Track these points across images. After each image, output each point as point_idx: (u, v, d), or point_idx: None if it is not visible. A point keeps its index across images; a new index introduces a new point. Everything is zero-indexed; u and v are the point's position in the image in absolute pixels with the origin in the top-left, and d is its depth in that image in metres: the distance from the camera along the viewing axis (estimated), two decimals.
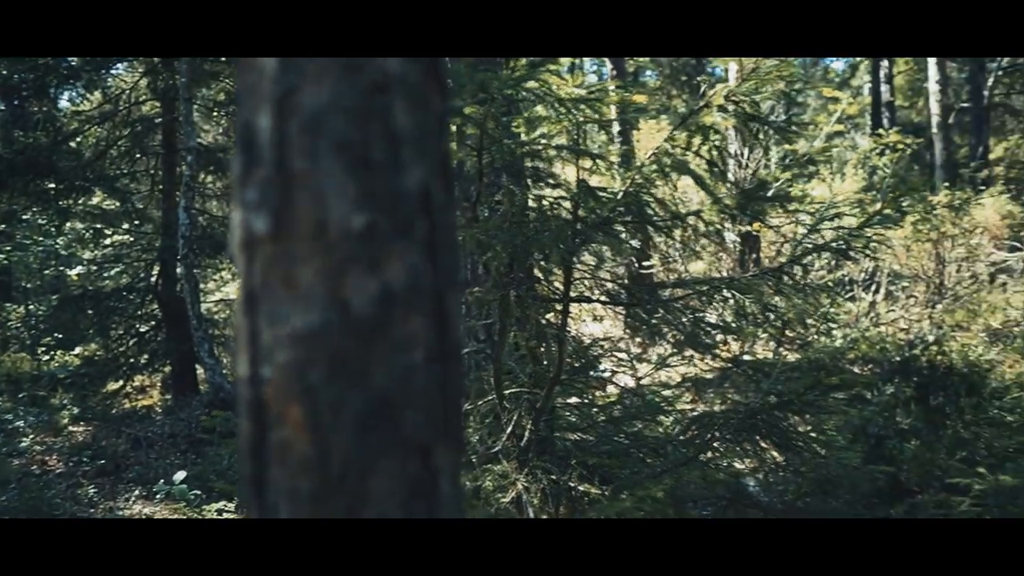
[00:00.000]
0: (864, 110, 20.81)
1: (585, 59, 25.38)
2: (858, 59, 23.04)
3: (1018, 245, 8.94)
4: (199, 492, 4.86)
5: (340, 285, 0.65)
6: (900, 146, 8.40)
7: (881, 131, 8.71)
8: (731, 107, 1.83)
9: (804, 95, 25.01)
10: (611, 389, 4.43)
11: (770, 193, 1.85)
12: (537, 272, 1.93)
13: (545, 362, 2.16)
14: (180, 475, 5.00)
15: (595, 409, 2.77)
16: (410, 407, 0.67)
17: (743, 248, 7.37)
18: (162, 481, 5.01)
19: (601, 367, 4.15)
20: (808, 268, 7.72)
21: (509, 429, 2.02)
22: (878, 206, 2.11)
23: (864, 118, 20.71)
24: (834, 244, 2.09)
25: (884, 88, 20.42)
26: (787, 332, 6.70)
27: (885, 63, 20.38)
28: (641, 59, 23.57)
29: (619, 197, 1.84)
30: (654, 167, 1.79)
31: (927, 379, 5.56)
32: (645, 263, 7.95)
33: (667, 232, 1.85)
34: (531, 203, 1.86)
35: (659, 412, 2.64)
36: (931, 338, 6.06)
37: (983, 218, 8.16)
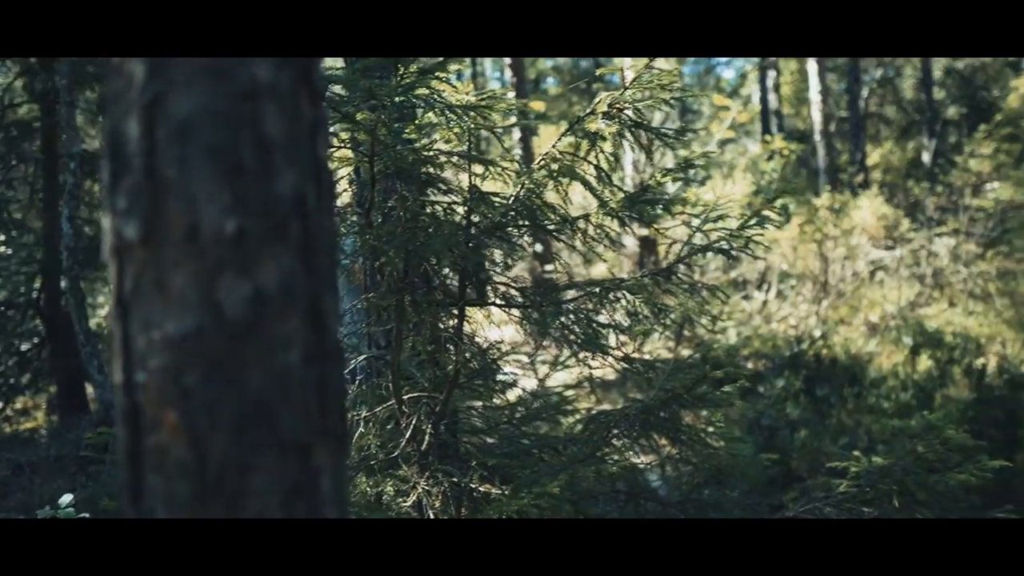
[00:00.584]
0: (756, 117, 21.77)
1: (487, 66, 25.54)
2: (747, 69, 24.13)
3: (893, 244, 9.54)
4: (89, 515, 4.63)
5: (213, 289, 0.65)
6: (785, 152, 8.85)
7: (768, 137, 9.14)
8: (616, 114, 1.91)
9: (698, 103, 25.98)
10: (517, 391, 4.49)
11: (653, 197, 1.93)
12: (433, 276, 1.95)
13: (448, 367, 2.18)
14: (67, 498, 4.74)
15: (496, 411, 2.82)
16: (287, 407, 0.69)
17: (642, 251, 7.61)
18: (48, 507, 4.75)
19: (506, 370, 4.20)
20: (703, 269, 8.00)
21: (408, 434, 2.03)
22: (761, 208, 2.23)
23: (755, 125, 21.68)
24: (716, 245, 2.19)
25: (772, 97, 21.46)
26: (683, 331, 6.95)
27: (772, 73, 21.41)
28: (543, 66, 23.92)
29: (510, 202, 1.89)
30: (543, 173, 1.85)
31: (814, 372, 5.89)
32: (547, 267, 8.08)
33: (556, 236, 1.90)
34: (425, 208, 1.88)
35: (560, 412, 2.71)
36: (817, 333, 6.40)
37: (861, 219, 8.70)
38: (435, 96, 1.84)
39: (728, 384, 2.25)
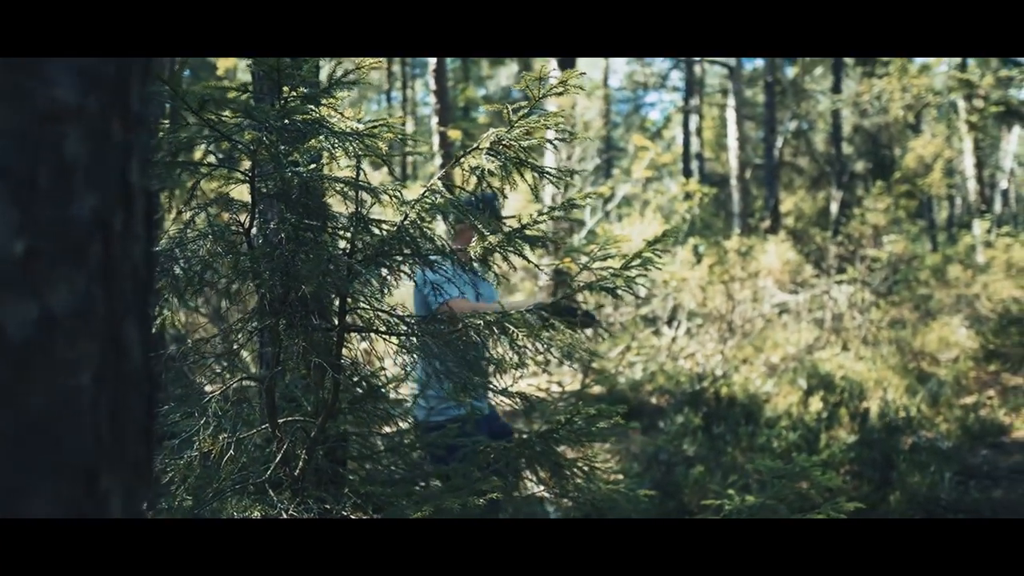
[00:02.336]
0: (679, 159, 22.48)
1: (419, 91, 25.56)
2: (672, 111, 24.95)
3: (797, 288, 9.96)
4: None
5: None
6: (698, 194, 9.17)
7: (684, 180, 9.46)
8: (502, 151, 1.95)
9: (625, 142, 26.68)
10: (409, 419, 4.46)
11: (531, 234, 1.98)
12: (311, 301, 1.94)
13: (336, 391, 2.16)
14: None
15: (387, 438, 2.81)
16: (72, 430, 0.68)
17: (556, 284, 7.70)
18: None
19: (401, 396, 4.16)
20: (616, 304, 8.08)
21: (278, 458, 2.00)
22: (643, 249, 2.30)
23: (679, 166, 22.40)
24: (601, 283, 2.25)
25: (695, 140, 22.23)
26: (591, 364, 7.05)
27: (696, 117, 22.17)
28: (472, 95, 24.12)
29: (395, 230, 1.90)
30: (426, 204, 1.87)
31: (713, 410, 6.06)
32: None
33: (432, 267, 1.92)
34: (306, 233, 1.88)
35: (445, 441, 2.71)
36: (719, 372, 6.59)
37: (767, 263, 9.06)
38: (323, 121, 1.84)
39: (603, 420, 2.30)
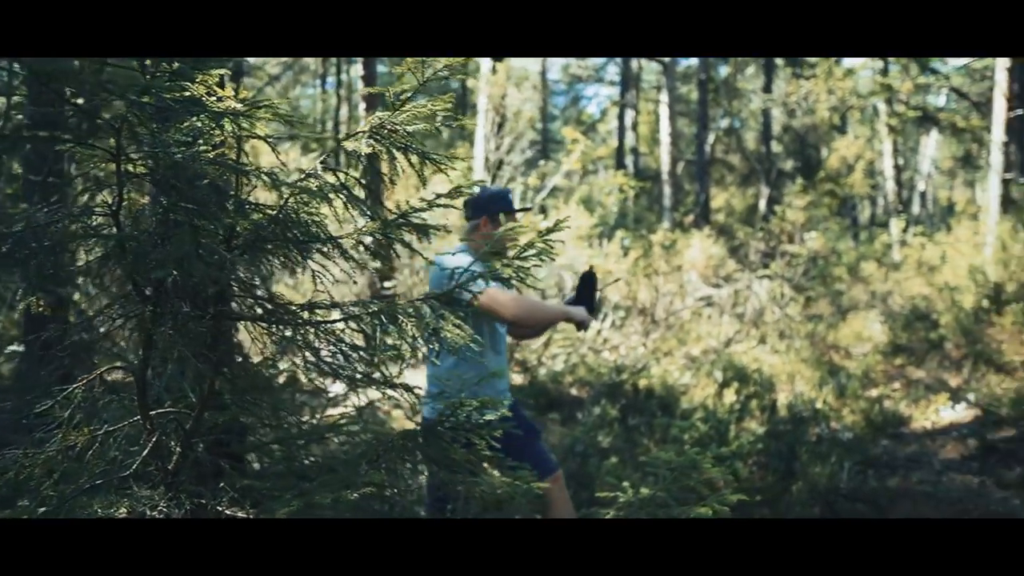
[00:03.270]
0: (614, 153, 22.68)
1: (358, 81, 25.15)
2: (608, 105, 25.16)
3: (720, 283, 10.16)
4: None
5: None
6: (626, 187, 9.26)
7: (614, 173, 9.53)
8: (387, 135, 1.90)
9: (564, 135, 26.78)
10: (317, 409, 4.37)
11: (410, 222, 1.93)
12: (185, 287, 1.86)
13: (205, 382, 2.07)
14: None
15: (282, 431, 2.73)
16: None
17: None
18: None
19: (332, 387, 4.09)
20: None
21: (146, 452, 1.91)
22: (535, 240, 2.28)
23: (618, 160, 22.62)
24: (495, 272, 2.22)
25: (631, 135, 22.45)
26: (514, 355, 7.05)
27: (632, 112, 22.39)
28: (410, 83, 23.83)
29: (272, 215, 1.83)
30: (304, 188, 1.80)
31: (631, 401, 6.12)
32: (387, 283, 8.00)
33: (305, 254, 1.86)
34: (178, 216, 1.79)
35: (331, 435, 2.65)
36: (639, 364, 6.67)
37: (692, 257, 9.22)
38: (200, 99, 1.76)
39: (491, 413, 2.27)
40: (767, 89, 19.05)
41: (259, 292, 1.93)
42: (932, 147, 26.52)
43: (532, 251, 2.29)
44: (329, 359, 1.91)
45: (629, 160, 21.54)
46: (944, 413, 5.95)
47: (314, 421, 3.33)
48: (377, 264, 7.38)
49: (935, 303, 9.11)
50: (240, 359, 2.42)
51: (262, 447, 2.45)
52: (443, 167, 1.95)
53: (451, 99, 1.95)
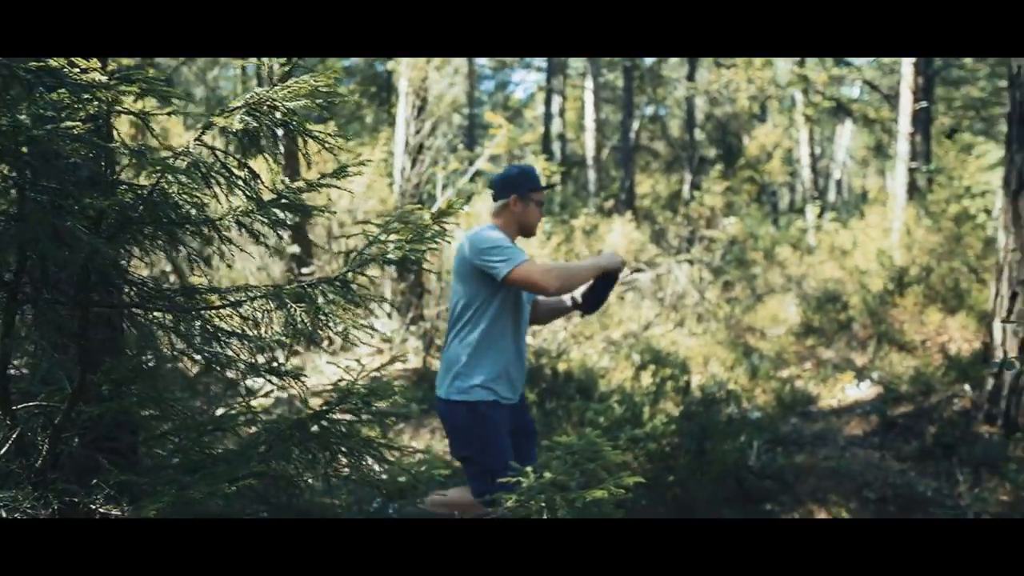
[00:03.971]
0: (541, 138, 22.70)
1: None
2: (536, 90, 25.18)
3: (643, 267, 10.29)
4: None
5: None
6: (547, 173, 9.27)
7: (536, 158, 9.52)
8: (266, 112, 1.82)
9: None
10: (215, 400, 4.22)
11: (291, 203, 1.85)
12: (49, 273, 1.74)
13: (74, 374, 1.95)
14: None
15: (177, 422, 2.61)
16: None
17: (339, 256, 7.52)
18: None
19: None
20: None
21: (5, 448, 1.79)
22: (431, 223, 2.23)
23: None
24: (388, 256, 2.17)
25: (558, 121, 22.49)
26: (433, 340, 6.99)
27: (558, 98, 22.43)
28: (337, 69, 23.34)
29: (143, 195, 1.73)
30: (167, 168, 1.71)
31: (550, 385, 6.13)
32: (304, 269, 7.80)
33: (176, 237, 1.76)
34: (38, 196, 1.67)
35: (235, 424, 2.55)
36: (556, 348, 6.69)
37: (613, 242, 9.31)
38: (57, 72, 1.64)
39: (381, 400, 2.22)
40: (691, 77, 19.35)
41: (138, 278, 1.82)
42: (847, 137, 27.43)
43: (427, 234, 2.25)
44: (202, 347, 1.82)
45: (556, 146, 21.61)
46: (850, 391, 6.17)
47: (228, 412, 3.19)
48: (295, 249, 7.20)
49: (846, 286, 9.45)
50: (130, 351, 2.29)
51: (154, 441, 2.34)
52: (328, 146, 1.88)
53: (334, 75, 1.87)
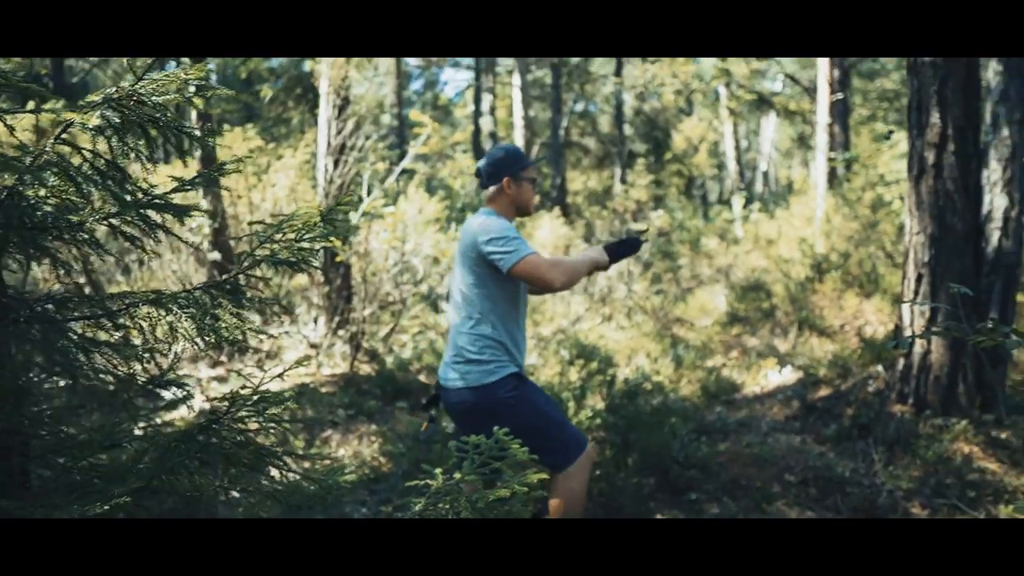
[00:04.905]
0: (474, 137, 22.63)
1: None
2: (465, 89, 25.10)
3: None
4: None
5: None
6: (471, 171, 9.21)
7: (463, 159, 9.47)
8: (131, 107, 1.71)
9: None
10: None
11: (160, 203, 1.76)
12: None
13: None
14: None
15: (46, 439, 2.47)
16: None
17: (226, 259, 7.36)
18: None
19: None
20: (397, 281, 7.90)
21: None
22: (319, 221, 2.15)
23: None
24: (277, 256, 2.08)
25: (489, 120, 22.46)
26: (361, 344, 6.87)
27: (489, 97, 22.42)
28: (258, 64, 22.85)
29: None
30: (6, 166, 1.59)
31: None
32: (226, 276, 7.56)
33: (37, 242, 1.65)
34: None
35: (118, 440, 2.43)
36: None
37: (542, 239, 9.32)
38: None
39: (277, 406, 2.13)
40: (618, 73, 19.56)
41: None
42: (772, 129, 28.14)
43: (313, 233, 2.17)
44: (61, 359, 1.71)
45: (488, 144, 21.59)
46: (772, 377, 6.29)
47: (120, 426, 3.03)
48: (216, 256, 6.97)
49: (771, 275, 9.67)
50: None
51: (37, 460, 2.20)
52: (203, 144, 1.78)
53: (204, 68, 1.78)
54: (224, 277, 2.09)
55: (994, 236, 5.46)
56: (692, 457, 4.70)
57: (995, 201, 5.51)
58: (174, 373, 1.98)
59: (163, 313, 1.99)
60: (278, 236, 2.18)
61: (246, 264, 2.15)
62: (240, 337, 2.02)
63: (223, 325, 2.02)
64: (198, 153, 7.05)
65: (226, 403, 2.00)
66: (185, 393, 2.00)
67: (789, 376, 6.27)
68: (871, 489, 4.39)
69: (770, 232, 12.62)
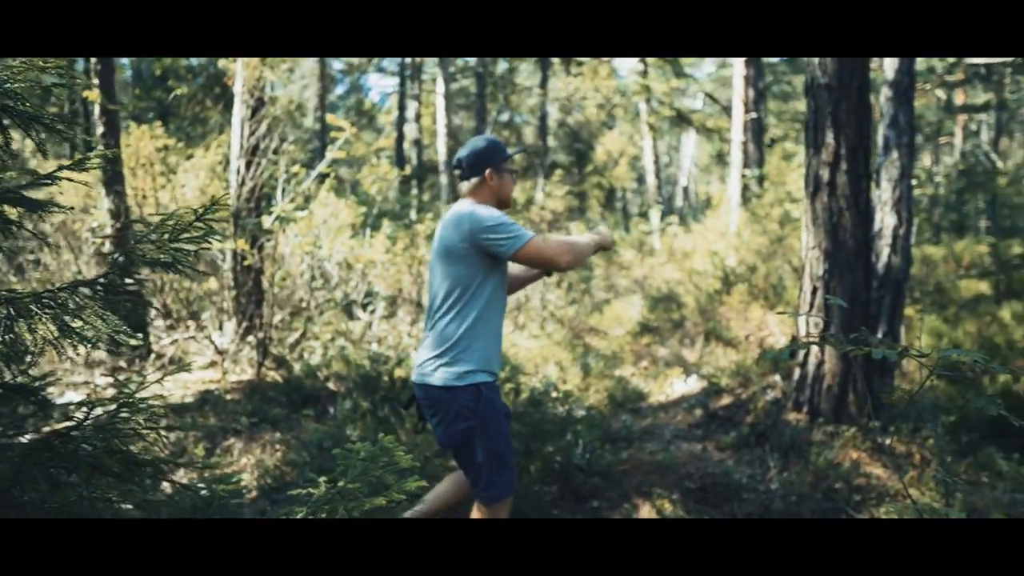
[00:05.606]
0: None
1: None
2: (392, 94, 24.92)
3: None
4: None
5: None
6: (389, 176, 9.16)
7: (381, 164, 9.38)
8: None
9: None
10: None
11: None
12: None
13: None
14: None
15: None
16: None
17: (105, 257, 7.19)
18: None
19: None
20: (290, 287, 7.75)
21: None
22: (189, 223, 2.09)
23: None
24: (149, 258, 2.00)
25: (415, 127, 22.35)
26: (268, 351, 6.70)
27: (414, 104, 22.30)
28: (174, 63, 22.20)
29: None
30: None
31: (387, 392, 6.02)
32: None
33: None
34: None
35: None
36: (399, 355, 6.59)
37: None
38: None
39: (140, 414, 2.05)
40: (543, 85, 19.76)
41: None
42: (692, 146, 28.91)
43: (189, 234, 2.11)
44: None
45: (413, 152, 21.48)
46: (677, 386, 6.43)
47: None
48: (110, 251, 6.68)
49: (684, 286, 9.91)
50: None
51: None
52: (68, 138, 1.71)
53: (58, 62, 1.71)
54: (93, 277, 2.00)
55: (884, 252, 5.74)
56: (595, 465, 4.75)
57: (885, 219, 5.79)
58: (18, 376, 1.87)
59: (15, 313, 1.89)
60: (154, 236, 2.11)
61: (121, 263, 2.07)
62: (104, 340, 1.93)
63: (87, 327, 1.93)
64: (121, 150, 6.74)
65: (84, 410, 1.91)
66: (41, 398, 1.90)
67: (694, 385, 6.42)
68: (766, 495, 4.52)
69: (686, 245, 12.95)
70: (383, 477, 2.32)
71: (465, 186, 3.02)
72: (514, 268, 3.29)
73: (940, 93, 15.50)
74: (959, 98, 19.84)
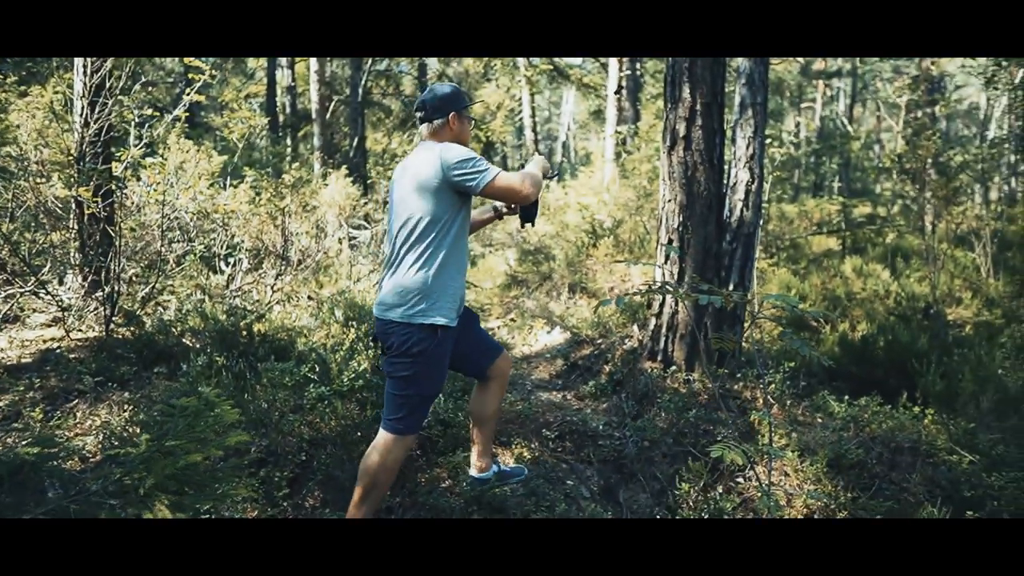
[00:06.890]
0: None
1: None
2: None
3: (366, 224, 10.14)
4: None
5: None
6: (253, 123, 8.74)
7: (242, 109, 8.90)
8: None
9: (212, 74, 24.67)
10: None
11: None
12: None
13: None
14: None
15: None
16: None
17: None
18: None
19: None
20: (167, 239, 7.31)
21: None
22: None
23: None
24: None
25: (288, 73, 21.38)
26: (117, 306, 6.31)
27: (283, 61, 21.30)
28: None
29: None
30: None
31: (245, 348, 5.80)
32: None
33: None
34: None
35: None
36: (259, 308, 6.36)
37: (329, 197, 9.04)
38: None
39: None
40: None
41: None
42: (572, 102, 29.17)
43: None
44: None
45: (287, 99, 20.58)
46: (541, 338, 6.54)
47: None
48: None
49: (556, 240, 10.04)
50: None
51: None
52: None
53: None
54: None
55: (737, 207, 5.98)
56: (454, 416, 4.77)
57: (739, 175, 6.03)
58: None
59: None
60: None
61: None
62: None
63: None
64: None
65: None
66: None
67: (557, 336, 6.54)
68: (620, 441, 4.68)
69: (561, 200, 13.11)
70: (205, 432, 2.22)
71: (426, 128, 3.16)
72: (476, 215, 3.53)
73: (799, 57, 16.24)
74: (817, 64, 20.89)
